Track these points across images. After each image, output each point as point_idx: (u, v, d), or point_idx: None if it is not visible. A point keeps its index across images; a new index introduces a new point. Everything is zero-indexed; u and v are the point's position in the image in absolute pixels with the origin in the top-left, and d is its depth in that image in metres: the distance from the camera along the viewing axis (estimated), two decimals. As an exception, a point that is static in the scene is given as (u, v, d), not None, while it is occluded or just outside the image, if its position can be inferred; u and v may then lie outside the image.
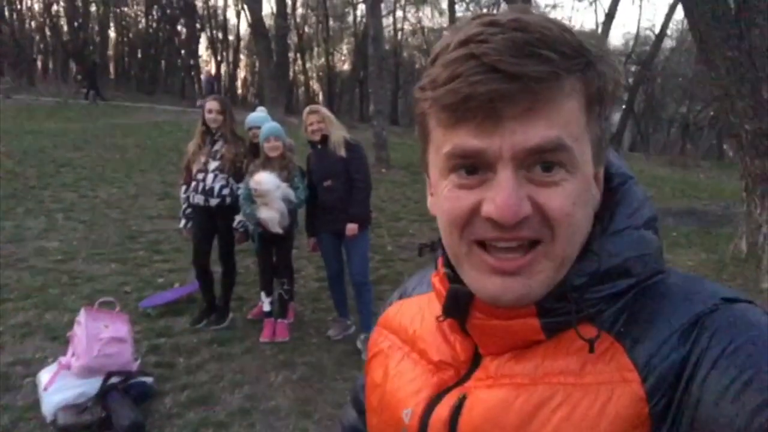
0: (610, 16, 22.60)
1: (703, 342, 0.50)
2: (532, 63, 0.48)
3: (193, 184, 4.21)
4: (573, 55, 0.51)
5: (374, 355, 0.75)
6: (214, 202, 4.16)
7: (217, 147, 4.23)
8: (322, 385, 3.64)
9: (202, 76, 20.26)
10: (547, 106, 0.50)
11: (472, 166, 0.53)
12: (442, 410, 0.59)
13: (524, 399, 0.54)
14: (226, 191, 4.18)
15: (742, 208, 6.19)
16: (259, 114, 4.75)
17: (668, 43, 29.60)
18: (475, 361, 0.61)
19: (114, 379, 3.24)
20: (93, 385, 3.18)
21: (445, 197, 0.55)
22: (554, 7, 30.60)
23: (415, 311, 0.72)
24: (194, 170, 4.21)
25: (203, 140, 4.27)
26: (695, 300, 0.53)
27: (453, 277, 0.61)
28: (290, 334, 4.26)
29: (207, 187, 4.16)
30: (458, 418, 0.58)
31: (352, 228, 3.95)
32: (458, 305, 0.60)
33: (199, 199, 4.19)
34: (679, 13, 21.75)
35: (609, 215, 0.58)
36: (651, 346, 0.51)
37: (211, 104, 4.28)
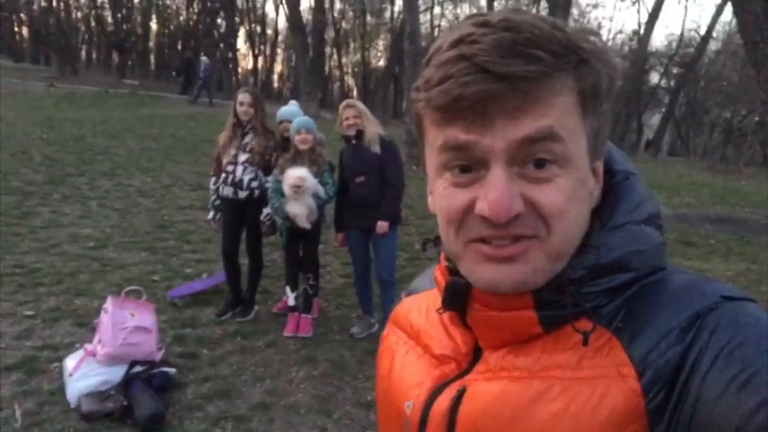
0: (653, 15, 22.07)
1: (703, 339, 0.50)
2: (520, 63, 0.49)
3: (223, 176, 4.22)
4: (563, 52, 0.51)
5: (383, 350, 0.78)
6: (242, 194, 4.16)
7: (247, 140, 4.23)
8: (343, 383, 3.61)
9: (201, 65, 19.55)
10: (537, 104, 0.51)
11: (466, 164, 0.54)
12: (442, 402, 0.61)
13: (522, 392, 0.55)
14: (255, 184, 4.18)
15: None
16: (291, 108, 4.73)
17: (713, 45, 28.75)
18: (477, 354, 0.62)
19: (137, 368, 3.27)
20: (117, 373, 3.22)
21: (440, 195, 0.56)
22: (596, 6, 30.03)
23: (421, 307, 0.73)
24: (224, 162, 4.22)
25: (234, 132, 4.28)
26: (696, 297, 0.53)
27: (454, 269, 0.61)
28: (314, 330, 4.24)
29: (236, 180, 4.16)
30: (458, 410, 0.59)
31: (383, 226, 3.90)
32: (457, 297, 0.61)
33: (228, 191, 4.20)
34: (727, 14, 21.07)
35: (609, 210, 0.58)
36: (649, 341, 0.52)
37: (243, 97, 4.28)
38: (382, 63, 38.16)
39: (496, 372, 0.58)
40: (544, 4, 24.09)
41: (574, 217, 0.54)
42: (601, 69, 0.54)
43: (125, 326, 3.32)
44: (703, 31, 25.08)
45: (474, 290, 0.59)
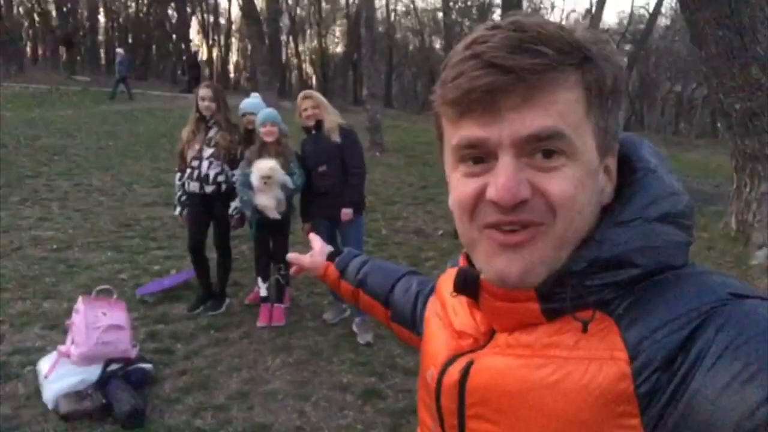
0: (603, -6, 22.37)
1: (708, 334, 0.50)
2: (526, 57, 0.53)
3: (188, 171, 4.23)
4: (568, 50, 0.55)
5: (427, 315, 0.84)
6: (209, 189, 4.19)
7: (211, 134, 4.24)
8: (319, 367, 3.71)
9: (117, 57, 18.52)
10: (543, 96, 0.54)
11: (478, 156, 0.58)
12: (453, 373, 0.66)
13: (522, 367, 0.59)
14: (221, 178, 4.20)
15: (732, 186, 6.24)
16: (254, 100, 4.75)
17: (662, 21, 29.50)
18: (493, 334, 0.66)
19: (113, 366, 3.29)
20: (93, 372, 3.24)
21: (454, 186, 0.61)
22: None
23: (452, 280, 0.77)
24: (189, 157, 4.23)
25: (197, 127, 4.28)
26: (702, 292, 0.54)
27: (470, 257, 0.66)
28: (287, 319, 4.31)
29: (202, 174, 4.18)
30: (466, 382, 0.64)
31: (346, 213, 3.99)
32: (468, 285, 0.65)
33: (194, 186, 4.21)
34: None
35: (620, 206, 0.60)
36: (645, 329, 0.53)
37: (204, 92, 4.29)
38: (340, 49, 37.92)
39: (503, 348, 0.63)
40: (497, -14, 24.33)
41: (580, 206, 0.56)
42: (605, 68, 0.57)
43: (98, 325, 3.34)
44: (651, 8, 25.69)
45: (483, 282, 0.63)
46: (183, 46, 36.29)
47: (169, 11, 36.49)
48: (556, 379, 0.56)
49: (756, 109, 5.50)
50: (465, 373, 0.64)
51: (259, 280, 4.33)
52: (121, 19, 37.70)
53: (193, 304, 4.45)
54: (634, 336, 0.53)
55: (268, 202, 3.99)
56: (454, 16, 30.59)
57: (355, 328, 4.16)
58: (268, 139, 4.03)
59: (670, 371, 0.51)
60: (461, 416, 0.65)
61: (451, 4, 29.76)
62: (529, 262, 0.57)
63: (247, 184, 3.99)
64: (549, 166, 0.55)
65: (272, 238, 4.31)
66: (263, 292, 4.32)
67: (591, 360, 0.55)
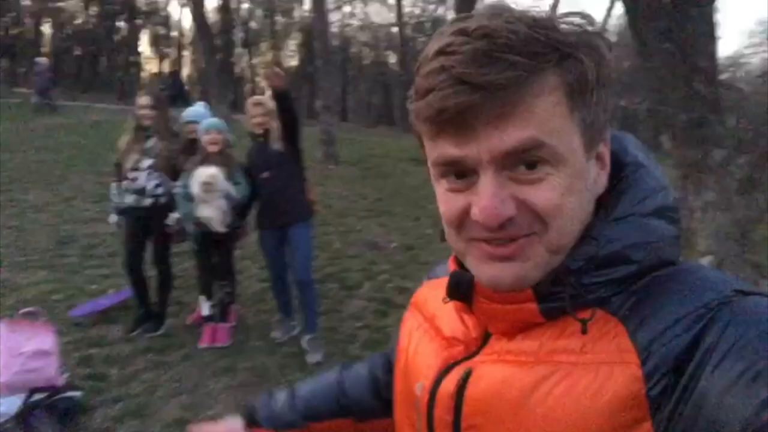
0: (553, 9, 23.07)
1: (715, 332, 0.49)
2: (495, 70, 0.50)
3: (125, 183, 4.01)
4: (543, 51, 0.51)
5: (402, 332, 0.80)
6: (146, 202, 3.97)
7: (150, 144, 4.04)
8: (264, 390, 3.50)
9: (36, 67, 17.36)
10: (518, 108, 0.51)
11: (460, 172, 0.56)
12: (449, 383, 0.62)
13: (526, 375, 0.56)
14: (159, 191, 3.99)
15: (677, 195, 6.38)
16: (197, 109, 4.57)
17: (610, 38, 30.56)
18: (486, 338, 0.63)
19: (37, 396, 3.02)
20: (13, 403, 2.95)
21: (440, 199, 0.59)
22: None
23: (438, 292, 0.73)
24: (126, 168, 4.01)
25: (136, 137, 4.08)
26: (707, 289, 0.53)
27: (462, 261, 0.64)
28: (232, 338, 4.10)
29: (139, 186, 3.96)
30: (464, 391, 0.60)
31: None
32: (461, 289, 0.63)
33: (130, 199, 3.99)
34: (619, 8, 22.40)
35: (614, 202, 0.59)
36: (654, 330, 0.52)
37: (142, 100, 4.12)
38: (295, 62, 37.74)
39: (502, 355, 0.60)
40: (448, 2, 24.70)
41: (570, 211, 0.55)
42: (586, 59, 0.53)
43: (21, 351, 3.07)
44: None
45: (478, 285, 0.61)
46: (132, 58, 35.42)
47: (119, 23, 35.61)
48: (565, 386, 0.53)
49: (699, 120, 5.64)
50: (463, 382, 0.61)
51: (202, 298, 4.11)
52: (69, 31, 36.54)
53: (130, 325, 4.19)
54: (643, 338, 0.52)
55: (211, 213, 3.79)
56: (409, 32, 30.88)
57: (304, 345, 3.99)
58: (212, 148, 3.85)
59: (679, 372, 0.50)
60: (456, 428, 0.61)
61: (405, 19, 30.05)
62: (522, 269, 0.56)
63: (188, 197, 3.79)
64: (533, 177, 0.53)
65: (215, 253, 4.09)
66: (206, 311, 4.10)
67: (600, 364, 0.53)
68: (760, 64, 26.69)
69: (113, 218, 4.24)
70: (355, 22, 35.10)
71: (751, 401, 0.45)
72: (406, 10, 30.46)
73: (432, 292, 0.76)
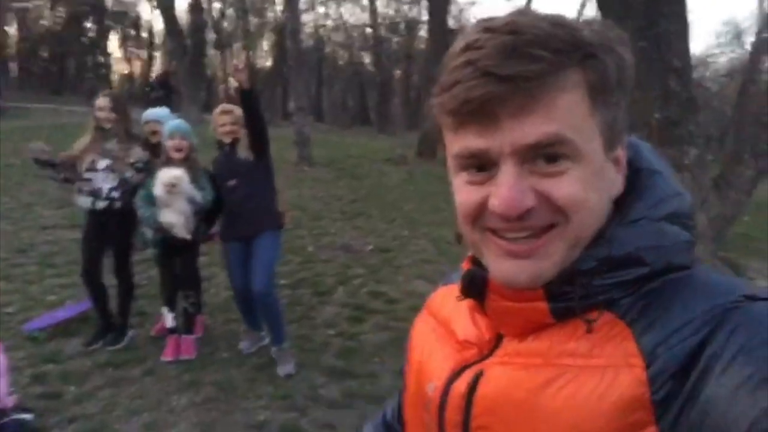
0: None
1: (722, 337, 0.50)
2: (521, 63, 0.51)
3: (79, 184, 3.80)
4: (567, 49, 0.53)
5: (415, 335, 0.80)
6: (101, 204, 3.76)
7: (109, 146, 3.84)
8: (231, 405, 3.32)
9: None
10: (542, 102, 0.53)
11: (480, 165, 0.57)
12: (460, 385, 0.63)
13: (534, 377, 0.57)
14: (115, 194, 3.77)
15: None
16: (160, 110, 4.36)
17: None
18: (498, 341, 0.64)
19: (-18, 420, 2.81)
20: (-45, 428, 2.75)
21: (457, 191, 0.60)
22: (473, 3, 31.18)
23: (452, 297, 0.74)
24: (82, 169, 3.80)
25: (94, 138, 3.89)
26: (715, 293, 0.54)
27: (477, 259, 0.64)
28: (197, 351, 3.89)
29: (95, 188, 3.75)
30: (474, 393, 0.61)
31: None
32: (474, 286, 0.63)
33: (84, 201, 3.78)
34: (591, 7, 22.57)
35: (628, 206, 0.59)
36: (660, 334, 0.52)
37: (102, 101, 3.93)
38: (269, 64, 37.37)
39: (512, 357, 0.61)
40: (423, 3, 24.59)
41: (592, 205, 0.56)
42: (608, 61, 0.55)
43: (-36, 372, 2.86)
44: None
45: (490, 280, 0.61)
46: (102, 59, 34.71)
47: (87, 24, 34.89)
48: (571, 389, 0.54)
49: (675, 119, 5.62)
50: (474, 383, 0.62)
51: (165, 309, 3.90)
52: (35, 32, 35.65)
53: (90, 338, 3.95)
54: (648, 341, 0.53)
55: (174, 219, 3.59)
56: (383, 32, 30.79)
57: (273, 355, 3.81)
58: (176, 155, 3.64)
59: (684, 376, 0.50)
60: (465, 429, 0.62)
61: (379, 20, 29.94)
62: (539, 267, 0.57)
63: (149, 199, 3.58)
64: (553, 171, 0.54)
65: (178, 261, 3.88)
66: (170, 323, 3.88)
67: (606, 368, 0.53)
68: (726, 64, 27.21)
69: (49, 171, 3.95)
70: (329, 23, 34.89)
71: (757, 406, 0.44)
72: (381, 10, 30.35)
73: (446, 298, 0.77)
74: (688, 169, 5.91)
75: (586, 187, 0.55)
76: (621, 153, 0.60)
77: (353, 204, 9.13)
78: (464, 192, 0.59)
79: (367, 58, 35.74)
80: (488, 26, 0.54)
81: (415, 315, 0.85)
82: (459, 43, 0.56)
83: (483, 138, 0.55)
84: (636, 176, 0.61)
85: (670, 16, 5.55)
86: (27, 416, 3.00)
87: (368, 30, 31.86)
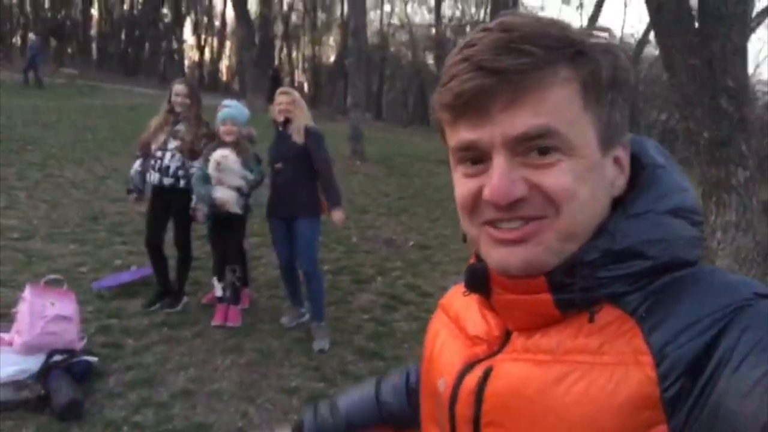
0: (592, 19, 22.83)
1: (733, 335, 0.50)
2: (512, 58, 0.54)
3: (151, 162, 4.22)
4: (557, 46, 0.55)
5: (429, 331, 0.82)
6: (167, 181, 4.16)
7: (178, 127, 4.24)
8: (268, 370, 3.68)
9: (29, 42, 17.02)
10: (532, 95, 0.55)
11: (476, 158, 0.59)
12: (470, 381, 0.64)
13: (544, 374, 0.57)
14: (181, 173, 4.18)
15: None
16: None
17: (652, 50, 29.94)
18: (507, 337, 0.65)
19: (56, 357, 3.24)
20: (35, 362, 3.18)
21: (456, 185, 0.62)
22: (542, 8, 30.74)
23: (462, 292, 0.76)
24: (153, 148, 4.22)
25: (166, 119, 4.29)
26: (726, 292, 0.54)
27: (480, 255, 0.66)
28: (243, 320, 4.28)
29: (163, 166, 4.16)
30: (484, 389, 0.62)
31: (338, 216, 4.03)
32: (478, 280, 0.64)
33: (154, 177, 4.19)
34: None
35: (631, 200, 0.60)
36: (669, 332, 0.52)
37: (179, 88, 4.31)
38: (332, 59, 38.00)
39: (521, 353, 0.61)
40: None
41: (583, 199, 0.56)
42: (601, 59, 0.56)
43: (44, 315, 3.30)
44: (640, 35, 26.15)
45: (493, 274, 0.62)
46: (176, 45, 36.19)
47: (164, 10, 36.40)
48: (581, 386, 0.54)
49: (723, 139, 5.59)
50: (483, 379, 0.62)
51: (215, 279, 4.30)
52: (114, 15, 37.50)
53: (149, 300, 4.40)
54: (658, 339, 0.53)
55: (226, 195, 3.97)
56: (448, 34, 30.83)
57: (312, 331, 4.14)
58: (227, 138, 4.04)
59: (695, 375, 0.50)
60: (476, 424, 0.63)
61: (444, 21, 30.02)
62: (531, 252, 0.57)
63: (204, 178, 3.98)
64: (544, 162, 0.56)
65: (226, 236, 4.25)
66: (218, 293, 4.28)
67: (616, 365, 0.53)
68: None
69: (132, 196, 4.45)
70: (395, 22, 35.24)
71: None
72: (447, 12, 30.45)
73: (457, 295, 0.77)
74: (735, 190, 5.86)
75: (578, 180, 0.56)
76: (622, 153, 0.61)
77: (400, 201, 9.38)
78: (461, 184, 0.61)
79: (430, 59, 35.83)
80: (485, 26, 0.57)
81: None
82: (459, 45, 0.59)
83: (475, 130, 0.57)
84: (641, 172, 0.62)
85: (726, 36, 5.52)
86: (93, 359, 3.42)
87: (432, 30, 32.00)
